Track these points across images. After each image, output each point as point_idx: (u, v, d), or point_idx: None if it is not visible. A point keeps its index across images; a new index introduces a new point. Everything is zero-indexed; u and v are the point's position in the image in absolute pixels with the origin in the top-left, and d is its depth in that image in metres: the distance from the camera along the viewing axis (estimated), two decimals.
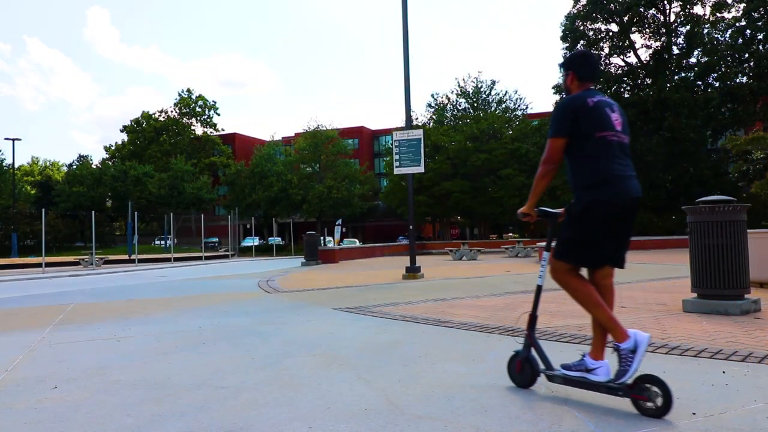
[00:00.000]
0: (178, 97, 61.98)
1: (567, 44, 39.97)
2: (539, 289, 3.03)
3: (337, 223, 36.38)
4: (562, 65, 3.09)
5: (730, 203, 5.22)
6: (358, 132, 70.89)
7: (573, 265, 2.85)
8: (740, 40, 35.00)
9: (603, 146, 2.75)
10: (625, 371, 2.59)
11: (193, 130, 62.50)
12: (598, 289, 2.85)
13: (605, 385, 2.67)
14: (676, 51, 38.21)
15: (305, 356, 4.09)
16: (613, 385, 2.63)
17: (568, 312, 5.85)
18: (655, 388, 2.51)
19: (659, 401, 2.50)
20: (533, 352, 2.99)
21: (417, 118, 46.72)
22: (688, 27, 37.43)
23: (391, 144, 12.50)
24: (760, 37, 34.19)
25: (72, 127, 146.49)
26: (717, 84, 36.52)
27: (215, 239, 51.66)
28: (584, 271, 2.90)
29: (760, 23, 33.70)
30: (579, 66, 2.96)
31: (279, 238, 50.28)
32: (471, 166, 37.11)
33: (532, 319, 3.00)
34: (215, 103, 63.53)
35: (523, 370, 3.06)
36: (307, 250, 20.70)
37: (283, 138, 64.11)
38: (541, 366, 2.96)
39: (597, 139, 2.75)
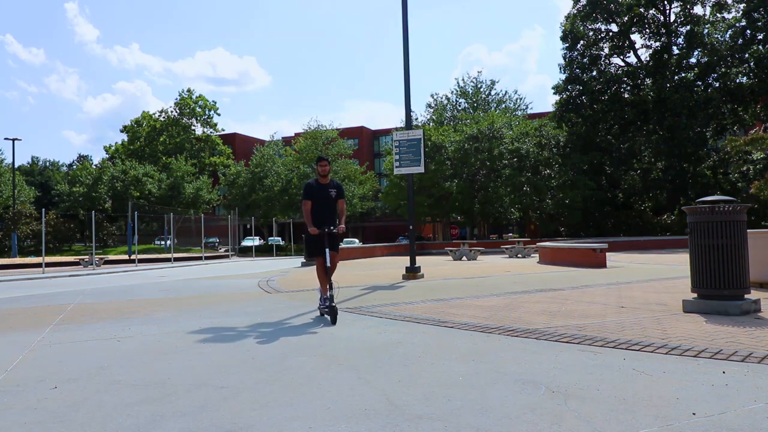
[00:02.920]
0: (179, 97, 62.08)
1: (567, 44, 40.03)
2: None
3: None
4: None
5: (730, 203, 5.23)
6: (358, 132, 70.92)
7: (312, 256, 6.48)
8: (740, 41, 35.00)
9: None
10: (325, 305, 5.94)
11: (194, 130, 62.51)
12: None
13: (323, 309, 6.03)
14: (676, 51, 38.21)
15: (305, 356, 4.09)
16: (325, 309, 5.89)
17: (567, 312, 5.85)
18: (331, 311, 5.66)
19: (332, 317, 5.62)
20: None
21: (417, 118, 46.75)
22: (688, 27, 37.43)
23: (391, 144, 12.49)
24: (760, 37, 34.21)
25: (64, 127, 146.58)
26: (717, 84, 36.53)
27: (215, 239, 51.65)
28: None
29: (760, 23, 33.72)
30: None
31: (279, 238, 50.26)
32: (471, 166, 37.11)
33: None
34: (215, 103, 63.64)
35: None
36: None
37: (283, 138, 64.10)
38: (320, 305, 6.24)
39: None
